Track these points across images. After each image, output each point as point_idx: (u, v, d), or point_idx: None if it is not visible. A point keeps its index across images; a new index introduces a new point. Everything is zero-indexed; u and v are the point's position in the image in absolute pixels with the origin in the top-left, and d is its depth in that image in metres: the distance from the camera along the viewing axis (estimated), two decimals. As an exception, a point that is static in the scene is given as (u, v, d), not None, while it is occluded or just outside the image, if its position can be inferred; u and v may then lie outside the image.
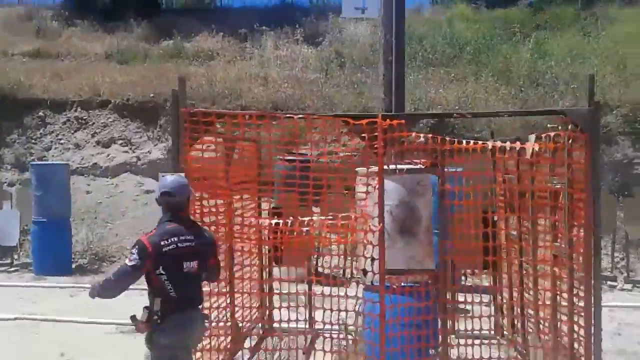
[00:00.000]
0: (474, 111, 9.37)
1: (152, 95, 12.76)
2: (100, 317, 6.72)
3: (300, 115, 4.68)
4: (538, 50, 13.45)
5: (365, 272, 4.23)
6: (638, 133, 10.83)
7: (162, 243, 3.50)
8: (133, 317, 3.54)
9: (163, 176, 3.89)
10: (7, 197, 10.14)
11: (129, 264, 3.46)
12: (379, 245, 4.03)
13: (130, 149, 12.74)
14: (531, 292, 4.81)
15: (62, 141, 12.99)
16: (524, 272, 5.02)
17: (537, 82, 12.32)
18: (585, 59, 12.68)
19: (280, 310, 5.38)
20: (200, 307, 3.84)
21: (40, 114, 13.20)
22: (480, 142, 4.22)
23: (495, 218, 5.18)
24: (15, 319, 6.96)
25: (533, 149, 4.25)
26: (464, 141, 4.19)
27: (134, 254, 3.47)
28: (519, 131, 9.77)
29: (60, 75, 14.34)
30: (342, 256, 7.76)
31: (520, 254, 5.00)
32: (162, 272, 3.50)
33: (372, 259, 4.07)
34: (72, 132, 13.08)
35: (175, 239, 3.55)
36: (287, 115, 4.71)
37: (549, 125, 4.76)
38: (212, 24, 16.81)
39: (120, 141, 12.83)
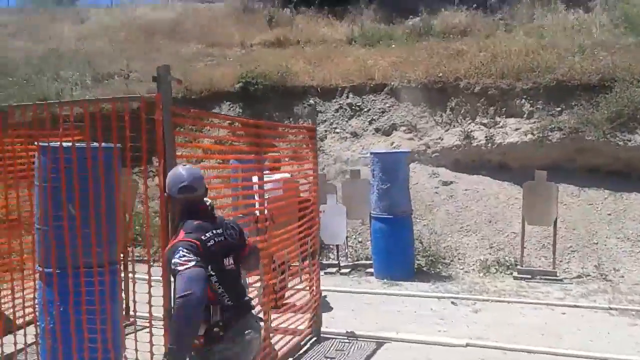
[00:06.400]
0: None
1: (439, 74, 11.40)
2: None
3: None
4: None
5: None
6: None
7: (203, 238, 2.94)
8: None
9: (175, 168, 3.22)
10: (331, 190, 9.14)
11: (191, 265, 2.75)
12: None
13: (417, 135, 11.46)
14: None
15: (337, 130, 12.06)
16: None
17: None
18: None
19: None
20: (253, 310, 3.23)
21: (311, 102, 12.39)
22: None
23: None
24: (467, 345, 5.67)
25: None
26: None
27: (185, 255, 2.79)
28: None
29: (313, 62, 13.53)
30: None
31: None
32: (212, 272, 2.91)
33: None
34: (347, 119, 12.09)
35: (210, 234, 3.01)
36: None
37: None
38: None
39: (403, 128, 11.59)
